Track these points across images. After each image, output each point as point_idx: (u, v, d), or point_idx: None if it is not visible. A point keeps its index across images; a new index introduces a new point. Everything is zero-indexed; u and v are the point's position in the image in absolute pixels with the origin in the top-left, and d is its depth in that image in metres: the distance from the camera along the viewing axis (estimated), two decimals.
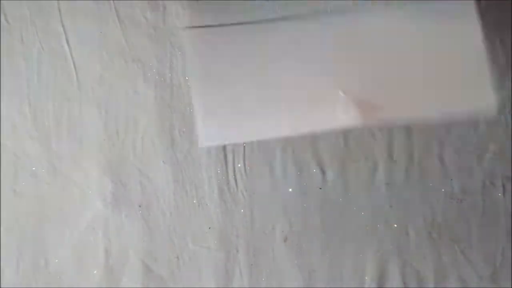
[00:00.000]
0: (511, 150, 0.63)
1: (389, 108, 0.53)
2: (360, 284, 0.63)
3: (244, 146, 0.64)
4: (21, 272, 0.64)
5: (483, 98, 0.55)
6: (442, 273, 0.63)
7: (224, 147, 0.65)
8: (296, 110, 0.53)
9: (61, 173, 0.65)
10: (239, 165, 0.64)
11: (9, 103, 0.65)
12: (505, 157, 0.62)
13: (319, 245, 0.63)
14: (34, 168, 0.65)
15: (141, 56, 0.65)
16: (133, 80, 0.65)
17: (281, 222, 0.64)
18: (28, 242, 0.65)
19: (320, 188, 0.63)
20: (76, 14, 0.66)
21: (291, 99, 0.53)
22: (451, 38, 0.55)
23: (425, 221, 0.63)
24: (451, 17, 0.55)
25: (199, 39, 0.54)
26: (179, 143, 0.65)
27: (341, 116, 0.52)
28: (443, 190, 0.62)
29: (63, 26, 0.66)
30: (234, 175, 0.64)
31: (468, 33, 0.55)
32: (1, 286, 0.64)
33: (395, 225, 0.63)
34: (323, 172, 0.63)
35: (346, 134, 0.59)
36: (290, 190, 0.64)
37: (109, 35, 0.66)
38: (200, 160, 0.65)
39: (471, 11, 0.56)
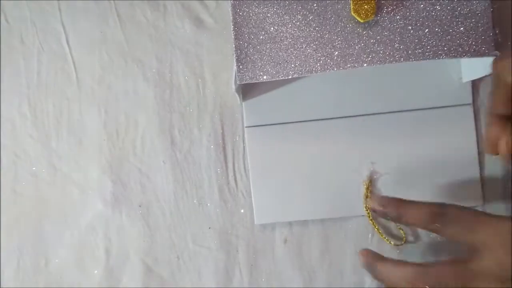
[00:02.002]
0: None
1: None
2: (360, 284, 0.63)
3: (244, 146, 0.64)
4: (21, 272, 0.64)
5: (471, 194, 0.62)
6: None
7: (224, 148, 0.65)
8: (329, 197, 0.63)
9: (61, 173, 0.65)
10: (239, 165, 0.64)
11: (9, 103, 0.65)
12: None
13: (319, 246, 0.64)
14: (34, 168, 0.65)
15: (141, 56, 0.65)
16: (133, 80, 0.65)
17: (281, 223, 0.64)
18: (28, 242, 0.65)
19: None
20: (76, 14, 0.66)
21: (326, 188, 0.63)
22: (447, 144, 0.62)
23: None
24: (449, 121, 0.62)
25: (257, 136, 0.64)
26: (179, 143, 0.65)
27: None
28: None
29: (63, 26, 0.66)
30: (234, 175, 0.64)
31: (464, 138, 0.62)
32: (1, 286, 0.64)
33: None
34: None
35: None
36: None
37: (109, 35, 0.66)
38: (200, 160, 0.65)
39: (468, 114, 0.62)
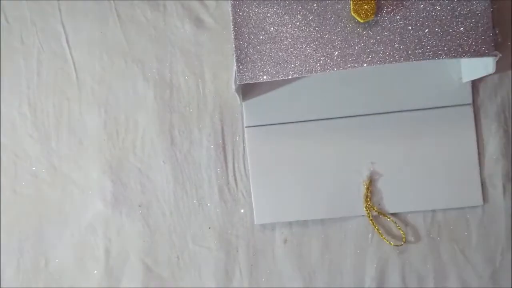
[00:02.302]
0: (511, 150, 0.63)
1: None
2: (360, 284, 0.63)
3: (244, 147, 0.64)
4: (21, 272, 0.64)
5: (471, 195, 0.62)
6: (442, 273, 0.63)
7: (224, 148, 0.65)
8: (329, 197, 0.63)
9: (61, 173, 0.65)
10: (239, 165, 0.64)
11: (9, 103, 0.65)
12: (505, 157, 0.62)
13: (319, 247, 0.64)
14: (34, 168, 0.65)
15: (141, 56, 0.65)
16: (133, 80, 0.65)
17: (281, 223, 0.64)
18: (28, 242, 0.65)
19: None
20: (76, 14, 0.66)
21: (326, 188, 0.63)
22: (447, 144, 0.62)
23: (424, 220, 0.63)
24: (449, 121, 0.62)
25: (257, 136, 0.64)
26: (179, 143, 0.65)
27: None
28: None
29: (63, 26, 0.66)
30: (234, 175, 0.64)
31: (464, 138, 0.62)
32: (1, 286, 0.64)
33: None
34: None
35: None
36: None
37: (109, 35, 0.66)
38: (200, 160, 0.65)
39: (468, 114, 0.62)
